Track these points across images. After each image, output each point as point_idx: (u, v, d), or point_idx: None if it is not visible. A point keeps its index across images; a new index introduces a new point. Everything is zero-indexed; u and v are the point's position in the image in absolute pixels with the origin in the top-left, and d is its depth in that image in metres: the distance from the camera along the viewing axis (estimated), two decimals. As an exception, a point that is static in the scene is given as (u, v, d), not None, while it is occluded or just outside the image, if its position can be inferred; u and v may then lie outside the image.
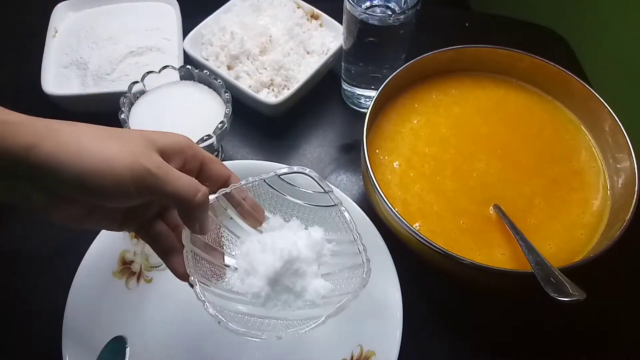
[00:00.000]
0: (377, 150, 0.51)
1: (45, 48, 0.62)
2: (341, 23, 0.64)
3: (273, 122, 0.63)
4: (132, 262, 0.48)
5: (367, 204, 0.50)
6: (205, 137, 0.50)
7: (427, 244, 0.42)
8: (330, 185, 0.40)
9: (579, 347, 0.50)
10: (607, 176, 0.50)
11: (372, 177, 0.45)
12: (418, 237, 0.42)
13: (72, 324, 0.43)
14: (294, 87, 0.59)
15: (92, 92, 0.58)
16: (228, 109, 0.52)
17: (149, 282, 0.49)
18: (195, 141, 0.49)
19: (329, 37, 0.65)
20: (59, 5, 0.66)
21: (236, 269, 0.37)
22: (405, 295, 0.44)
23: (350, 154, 0.61)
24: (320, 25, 0.67)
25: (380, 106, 0.54)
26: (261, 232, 0.39)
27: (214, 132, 0.50)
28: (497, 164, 0.51)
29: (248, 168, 0.51)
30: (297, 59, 0.62)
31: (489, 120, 0.54)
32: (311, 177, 0.39)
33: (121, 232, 0.47)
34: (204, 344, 0.47)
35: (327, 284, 0.36)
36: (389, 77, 0.51)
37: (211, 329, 0.47)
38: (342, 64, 0.61)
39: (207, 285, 0.34)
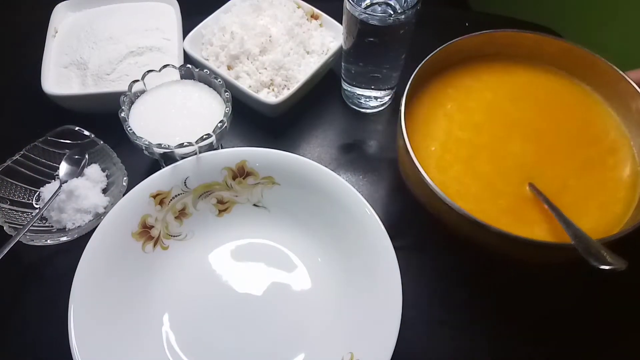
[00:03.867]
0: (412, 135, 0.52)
1: (45, 48, 0.62)
2: (341, 23, 0.64)
3: (273, 122, 0.63)
4: (152, 227, 0.49)
5: (371, 203, 0.50)
6: (204, 137, 0.50)
7: (480, 224, 0.42)
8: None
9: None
10: (637, 154, 0.51)
11: (412, 157, 0.45)
12: (470, 219, 0.42)
13: (84, 276, 0.44)
14: (294, 87, 0.59)
15: (92, 92, 0.58)
16: (228, 109, 0.52)
17: (165, 250, 0.50)
18: (194, 140, 0.49)
19: (329, 37, 0.65)
20: (59, 5, 0.66)
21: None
22: (405, 302, 0.44)
23: (350, 154, 0.61)
24: (320, 25, 0.67)
25: (414, 92, 0.53)
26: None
27: (213, 132, 0.50)
28: (531, 148, 0.51)
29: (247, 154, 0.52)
30: (297, 59, 0.62)
31: (520, 106, 0.55)
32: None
33: (147, 197, 0.49)
34: (209, 318, 0.48)
35: (105, 197, 0.54)
36: (423, 61, 0.51)
37: (218, 304, 0.49)
38: (342, 64, 0.61)
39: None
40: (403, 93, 0.49)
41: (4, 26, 0.71)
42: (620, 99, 0.53)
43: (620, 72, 0.52)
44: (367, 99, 0.63)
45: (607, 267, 0.37)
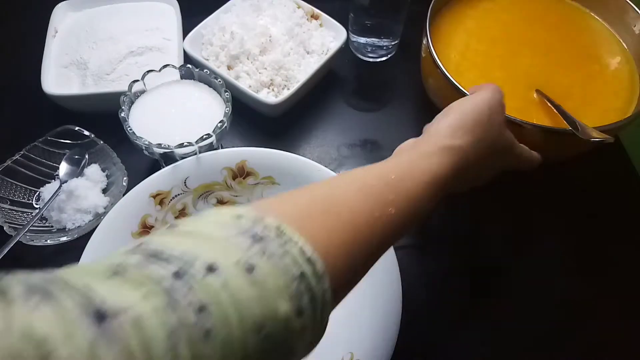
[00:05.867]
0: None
1: (45, 48, 0.62)
2: (341, 23, 0.64)
3: (273, 122, 0.63)
4: (152, 227, 0.49)
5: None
6: (204, 136, 0.50)
7: None
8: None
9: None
10: (636, 73, 0.57)
11: (434, 56, 0.52)
12: None
13: None
14: (294, 87, 0.59)
15: (92, 92, 0.58)
16: (228, 109, 0.52)
17: None
18: (194, 140, 0.49)
19: (329, 37, 0.65)
20: (59, 5, 0.66)
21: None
22: (406, 302, 0.44)
23: (351, 154, 0.61)
24: (320, 25, 0.67)
25: (437, 11, 0.60)
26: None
27: (213, 131, 0.50)
28: (541, 60, 0.58)
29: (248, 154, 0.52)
30: (297, 59, 0.62)
31: (533, 26, 0.61)
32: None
33: (147, 197, 0.49)
34: None
35: (105, 197, 0.54)
36: None
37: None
38: (350, 15, 0.65)
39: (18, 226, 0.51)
40: (427, 13, 0.56)
41: (4, 26, 0.71)
42: (623, 24, 0.59)
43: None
44: (373, 48, 0.67)
45: (596, 139, 0.45)
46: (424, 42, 0.55)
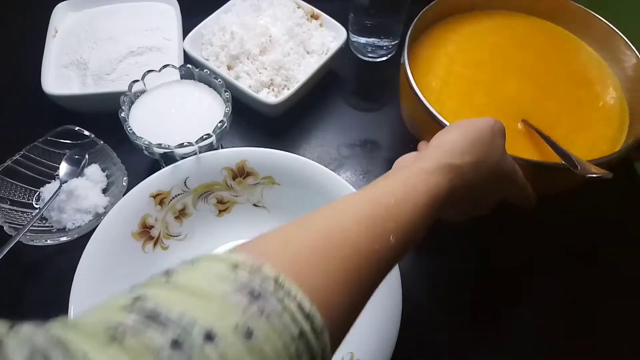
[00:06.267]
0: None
1: (45, 48, 0.62)
2: (341, 23, 0.64)
3: (273, 122, 0.63)
4: (152, 227, 0.49)
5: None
6: (204, 136, 0.50)
7: None
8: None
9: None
10: (625, 98, 0.54)
11: (413, 85, 0.48)
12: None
13: (84, 276, 0.44)
14: (294, 87, 0.59)
15: (92, 92, 0.58)
16: (228, 109, 0.52)
17: (165, 250, 0.50)
18: (194, 140, 0.49)
19: (329, 37, 0.65)
20: (59, 5, 0.66)
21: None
22: (405, 302, 0.44)
23: (351, 154, 0.61)
24: (320, 25, 0.67)
25: (417, 35, 0.57)
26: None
27: (213, 131, 0.50)
28: (528, 84, 0.55)
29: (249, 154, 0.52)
30: (297, 59, 0.62)
31: (521, 49, 0.58)
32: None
33: (147, 197, 0.49)
34: None
35: (105, 197, 0.54)
36: (424, 9, 0.54)
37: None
38: (351, 15, 0.65)
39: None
40: (406, 37, 0.52)
41: (4, 26, 0.71)
42: (610, 50, 0.57)
43: (612, 26, 0.55)
44: (374, 47, 0.67)
45: (594, 175, 0.40)
46: (402, 70, 0.51)
